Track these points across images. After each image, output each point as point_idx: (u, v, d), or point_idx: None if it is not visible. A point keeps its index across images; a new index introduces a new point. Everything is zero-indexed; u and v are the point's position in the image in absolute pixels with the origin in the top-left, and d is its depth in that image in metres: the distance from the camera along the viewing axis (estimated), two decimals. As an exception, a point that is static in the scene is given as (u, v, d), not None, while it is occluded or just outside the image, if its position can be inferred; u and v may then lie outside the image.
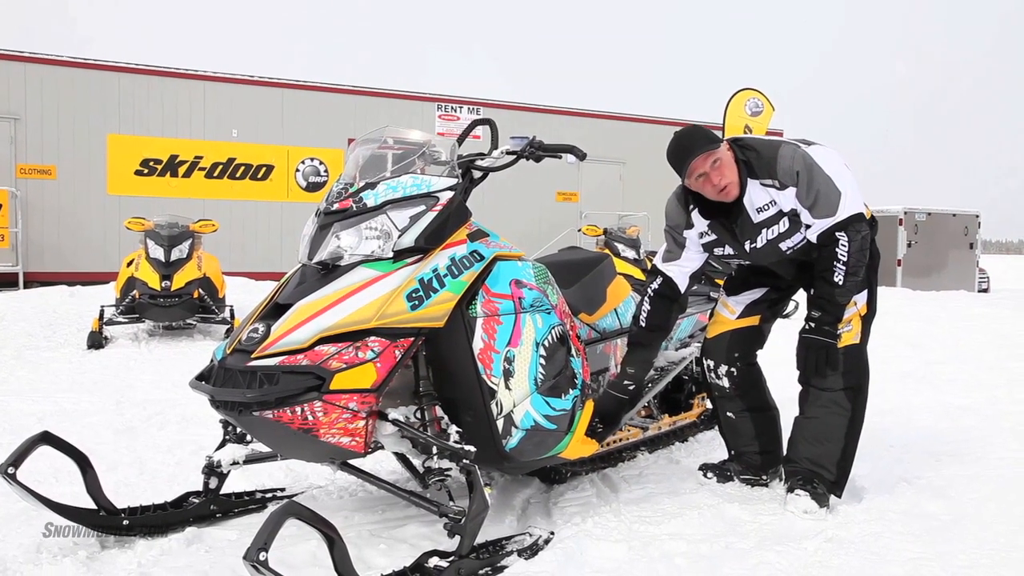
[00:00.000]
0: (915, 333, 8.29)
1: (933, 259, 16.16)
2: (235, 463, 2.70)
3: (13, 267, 11.40)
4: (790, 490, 2.93)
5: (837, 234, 2.81)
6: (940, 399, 5.09)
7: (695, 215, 3.04)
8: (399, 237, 2.49)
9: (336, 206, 2.55)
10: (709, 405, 3.74)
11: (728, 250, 3.07)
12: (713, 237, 3.05)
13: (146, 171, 12.56)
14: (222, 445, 2.73)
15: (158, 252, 7.46)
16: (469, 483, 2.40)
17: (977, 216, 17.00)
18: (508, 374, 2.56)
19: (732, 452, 3.32)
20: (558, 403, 2.72)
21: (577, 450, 2.86)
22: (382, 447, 2.50)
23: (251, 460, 2.72)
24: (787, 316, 4.55)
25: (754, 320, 3.26)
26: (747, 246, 2.99)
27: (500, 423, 2.53)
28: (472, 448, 2.42)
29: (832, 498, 2.92)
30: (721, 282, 3.49)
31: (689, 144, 2.84)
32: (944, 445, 3.83)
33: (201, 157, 12.90)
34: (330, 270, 2.46)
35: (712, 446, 3.82)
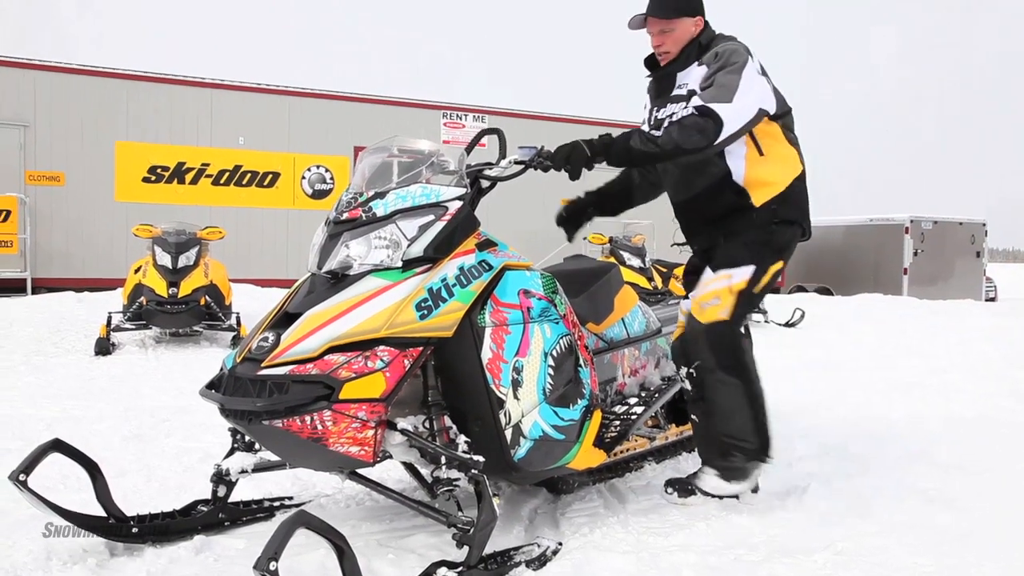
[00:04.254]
0: (922, 342, 8.28)
1: (940, 268, 16.13)
2: (244, 471, 2.71)
3: (22, 273, 11.42)
4: (701, 468, 2.95)
5: (688, 108, 2.88)
6: (947, 409, 5.07)
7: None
8: (408, 246, 2.50)
9: (346, 215, 2.56)
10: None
11: (645, 114, 3.22)
12: (647, 96, 3.23)
13: (153, 178, 12.59)
14: (231, 453, 2.73)
15: (165, 259, 7.48)
16: (478, 493, 2.40)
17: (984, 224, 16.97)
18: (516, 384, 2.56)
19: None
20: (566, 413, 2.72)
21: (585, 460, 2.86)
22: (390, 456, 2.50)
23: (259, 468, 2.73)
24: (792, 325, 4.55)
25: None
26: (655, 112, 3.12)
27: (508, 433, 2.53)
28: (481, 458, 2.42)
29: (839, 509, 2.91)
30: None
31: (654, 6, 3.02)
32: (952, 456, 3.81)
33: (208, 164, 12.93)
34: (339, 279, 2.47)
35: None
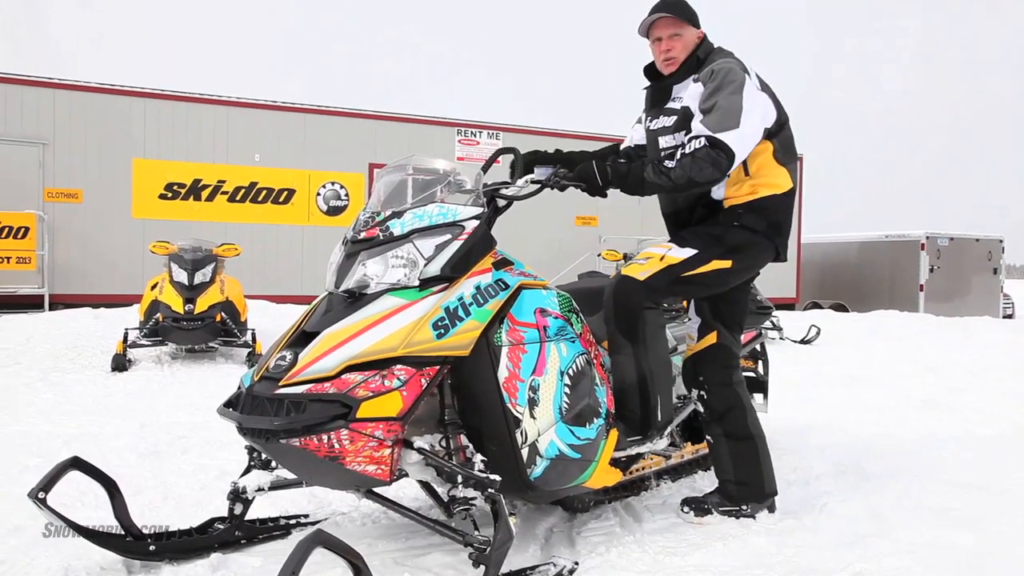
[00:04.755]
0: (938, 360, 8.21)
1: (956, 284, 16.03)
2: (260, 489, 2.72)
3: (39, 289, 11.53)
4: None
5: (698, 140, 2.88)
6: (964, 427, 5.03)
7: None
8: (425, 266, 2.51)
9: (363, 235, 2.58)
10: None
11: (638, 122, 3.33)
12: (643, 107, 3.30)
13: (170, 195, 12.71)
14: (247, 471, 2.74)
15: (182, 276, 7.54)
16: (494, 512, 2.39)
17: (1001, 241, 16.86)
18: (533, 403, 2.56)
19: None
20: (582, 432, 2.72)
21: (601, 479, 2.85)
22: (407, 475, 2.50)
23: (276, 486, 2.74)
24: (808, 342, 4.53)
25: (711, 338, 3.18)
26: (648, 121, 3.20)
27: (525, 452, 2.53)
28: (497, 477, 2.42)
29: (856, 529, 2.89)
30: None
31: (668, 5, 3.04)
32: (971, 476, 3.78)
33: (224, 181, 13.03)
34: (357, 298, 2.48)
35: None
